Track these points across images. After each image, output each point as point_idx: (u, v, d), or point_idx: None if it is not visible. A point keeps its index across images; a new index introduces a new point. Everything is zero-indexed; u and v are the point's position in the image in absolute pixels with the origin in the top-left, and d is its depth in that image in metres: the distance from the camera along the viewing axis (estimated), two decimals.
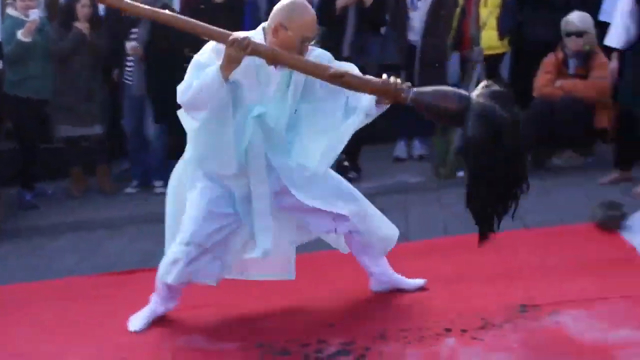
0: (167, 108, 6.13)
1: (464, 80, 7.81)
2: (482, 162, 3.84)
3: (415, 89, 3.96)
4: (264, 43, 4.06)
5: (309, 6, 4.15)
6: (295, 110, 4.25)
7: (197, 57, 4.17)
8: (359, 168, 7.64)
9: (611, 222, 5.32)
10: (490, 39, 7.82)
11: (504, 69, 8.58)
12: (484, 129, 3.78)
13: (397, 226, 4.69)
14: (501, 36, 7.90)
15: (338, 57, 6.93)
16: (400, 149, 8.27)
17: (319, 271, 5.10)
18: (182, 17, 4.17)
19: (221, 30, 3.99)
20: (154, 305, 4.56)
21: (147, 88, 7.53)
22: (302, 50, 4.07)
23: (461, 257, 5.08)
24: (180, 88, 4.09)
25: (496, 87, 3.90)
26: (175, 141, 6.65)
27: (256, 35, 4.13)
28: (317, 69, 4.02)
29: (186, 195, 4.36)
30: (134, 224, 6.89)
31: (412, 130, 8.10)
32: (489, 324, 4.19)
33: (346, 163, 7.37)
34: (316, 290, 4.89)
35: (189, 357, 4.21)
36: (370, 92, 4.03)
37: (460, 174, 6.92)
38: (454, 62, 8.37)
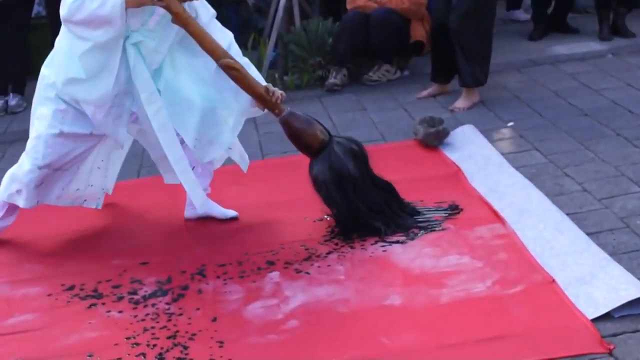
0: None
1: None
2: (324, 198, 4.19)
3: (290, 110, 4.16)
4: None
5: None
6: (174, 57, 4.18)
7: None
8: None
9: (433, 139, 5.20)
10: None
11: None
12: (329, 173, 4.11)
13: None
14: None
15: None
16: None
17: (133, 199, 4.82)
18: None
19: None
20: None
21: None
22: None
23: (279, 180, 4.89)
24: (68, 2, 3.87)
25: (354, 144, 4.23)
26: None
27: None
28: (214, 51, 4.03)
29: (36, 108, 4.18)
30: None
31: None
32: (314, 256, 4.01)
33: None
34: (127, 223, 4.60)
35: None
36: (251, 95, 4.13)
37: None
38: None
